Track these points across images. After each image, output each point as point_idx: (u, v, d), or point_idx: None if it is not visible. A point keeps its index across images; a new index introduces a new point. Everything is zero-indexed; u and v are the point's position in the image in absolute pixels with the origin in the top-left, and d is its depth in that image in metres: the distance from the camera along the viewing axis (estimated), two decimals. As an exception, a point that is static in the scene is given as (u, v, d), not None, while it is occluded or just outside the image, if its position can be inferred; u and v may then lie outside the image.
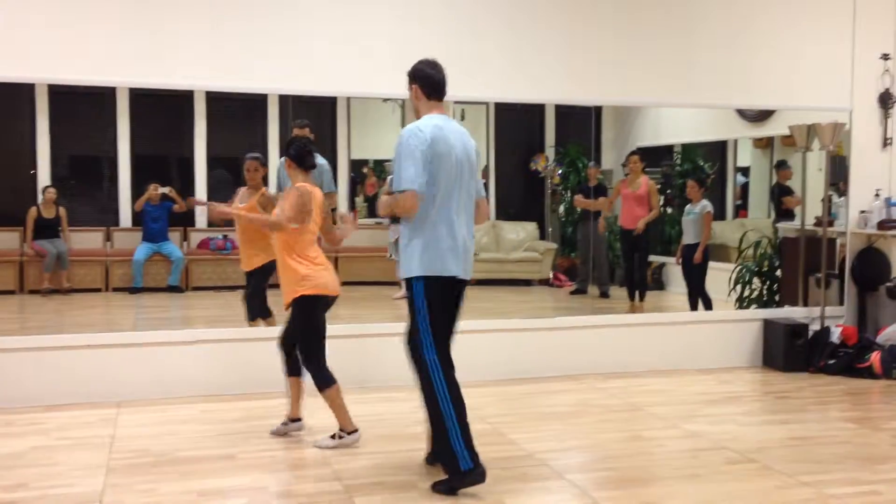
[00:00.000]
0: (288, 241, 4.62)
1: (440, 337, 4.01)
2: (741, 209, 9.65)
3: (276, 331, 6.07)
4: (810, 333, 6.80)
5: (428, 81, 4.10)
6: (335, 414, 4.62)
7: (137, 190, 9.47)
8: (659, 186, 8.72)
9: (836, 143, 6.86)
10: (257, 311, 6.26)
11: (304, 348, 4.67)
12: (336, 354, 5.92)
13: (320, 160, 6.23)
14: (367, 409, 5.40)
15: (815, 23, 6.93)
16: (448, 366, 4.01)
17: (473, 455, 3.91)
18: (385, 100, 8.04)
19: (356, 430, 4.64)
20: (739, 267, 7.95)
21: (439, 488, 3.94)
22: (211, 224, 8.59)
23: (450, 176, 3.96)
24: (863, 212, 7.09)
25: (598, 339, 6.60)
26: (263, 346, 5.88)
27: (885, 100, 7.07)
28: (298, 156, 4.67)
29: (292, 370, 4.82)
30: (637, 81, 6.55)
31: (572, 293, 9.25)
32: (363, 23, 5.95)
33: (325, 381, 4.59)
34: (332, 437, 4.62)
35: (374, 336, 6.08)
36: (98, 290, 8.95)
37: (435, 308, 4.00)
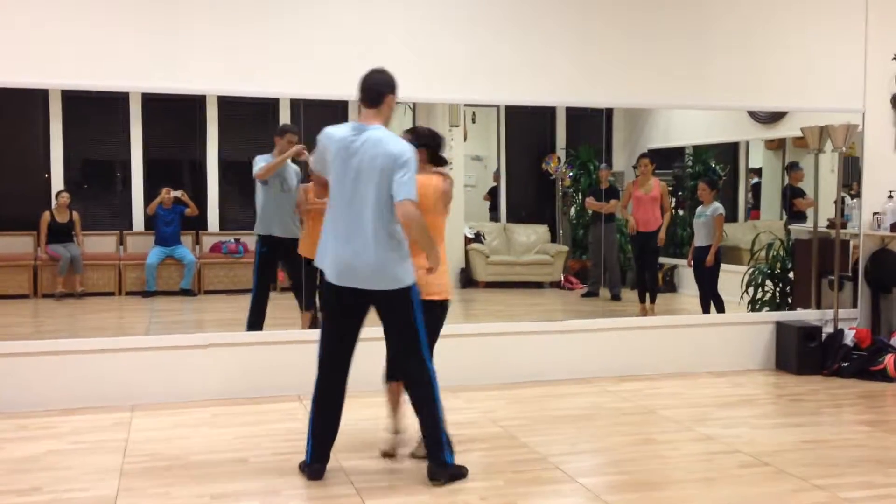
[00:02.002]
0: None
1: (324, 335, 4.19)
2: (753, 210, 9.63)
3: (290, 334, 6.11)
4: (823, 336, 6.77)
5: (359, 87, 4.19)
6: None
7: (150, 194, 9.51)
8: (670, 188, 8.71)
9: (848, 144, 6.84)
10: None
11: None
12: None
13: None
14: (380, 412, 5.39)
15: (828, 24, 6.91)
16: (323, 368, 4.20)
17: (313, 454, 4.21)
18: (396, 103, 8.06)
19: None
20: (752, 269, 7.93)
21: None
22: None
23: (341, 181, 4.03)
24: (876, 213, 7.06)
25: (609, 341, 6.59)
26: (276, 349, 5.91)
27: (898, 101, 7.05)
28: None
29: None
30: (648, 83, 6.55)
31: (584, 296, 9.23)
32: (374, 27, 5.97)
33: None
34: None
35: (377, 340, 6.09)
36: (111, 293, 8.99)
37: (325, 304, 4.20)
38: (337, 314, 4.18)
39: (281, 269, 9.11)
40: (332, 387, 4.22)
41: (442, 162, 4.55)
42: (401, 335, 4.18)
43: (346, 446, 4.69)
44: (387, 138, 4.06)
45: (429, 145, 4.44)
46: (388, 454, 4.54)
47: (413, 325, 4.13)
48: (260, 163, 6.66)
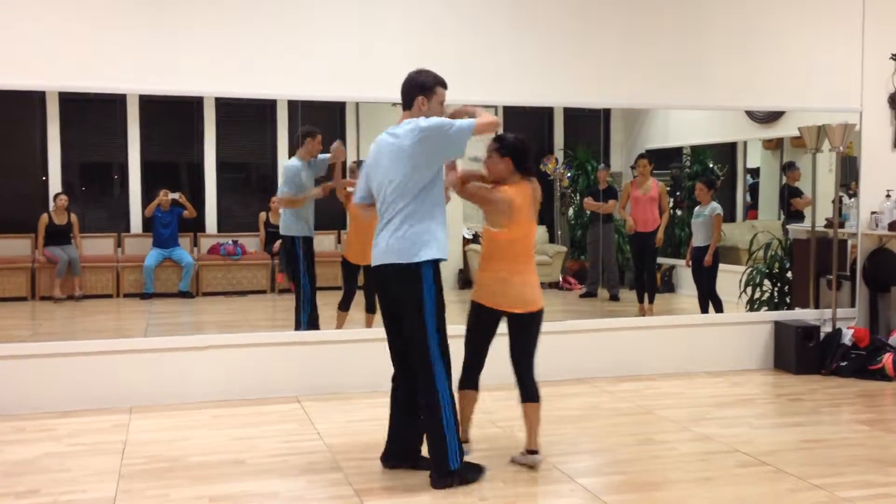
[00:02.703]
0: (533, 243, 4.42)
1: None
2: (751, 209, 9.63)
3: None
4: (822, 335, 6.77)
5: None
6: (532, 430, 4.39)
7: (148, 196, 9.50)
8: (668, 189, 8.71)
9: (846, 144, 6.84)
10: (373, 304, 6.68)
11: (532, 361, 4.41)
12: (348, 357, 5.98)
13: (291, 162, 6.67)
14: (379, 413, 5.39)
15: (825, 24, 6.92)
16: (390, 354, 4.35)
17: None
18: (394, 104, 8.07)
19: (538, 452, 4.40)
20: (750, 269, 7.93)
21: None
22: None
23: (374, 177, 4.17)
24: (874, 213, 7.07)
25: (608, 342, 6.60)
26: (274, 351, 5.91)
27: (894, 100, 7.05)
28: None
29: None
30: (647, 84, 6.55)
31: (582, 296, 9.23)
32: (372, 28, 5.97)
33: (538, 392, 4.39)
34: (528, 453, 4.38)
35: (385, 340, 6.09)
36: (109, 296, 8.98)
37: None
38: (381, 303, 4.28)
39: (282, 271, 9.13)
40: (398, 372, 4.30)
41: (530, 172, 4.40)
42: (408, 318, 4.08)
43: (344, 447, 4.70)
44: (414, 121, 4.09)
45: (512, 154, 4.32)
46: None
47: (419, 307, 4.02)
48: (289, 176, 6.59)
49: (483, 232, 4.41)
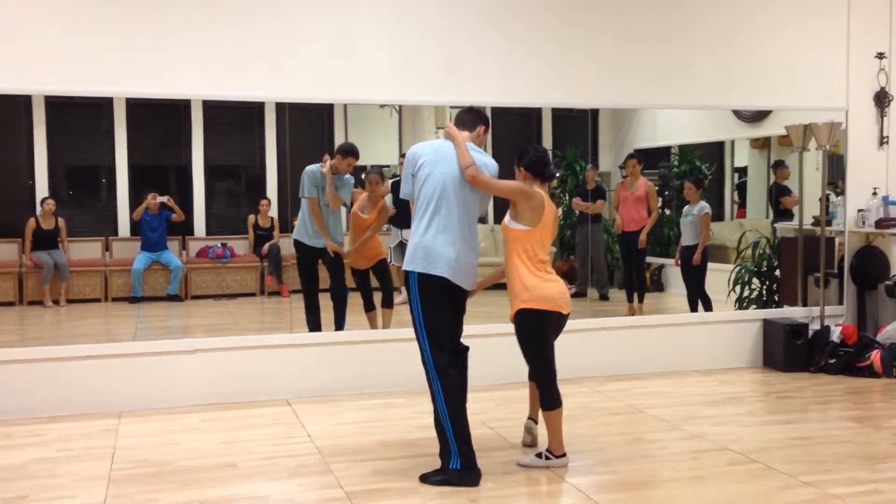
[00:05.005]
0: (520, 243, 4.49)
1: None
2: (739, 209, 9.67)
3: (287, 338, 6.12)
4: (810, 333, 6.80)
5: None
6: (550, 435, 4.38)
7: (136, 199, 9.47)
8: (657, 188, 8.73)
9: (832, 142, 6.87)
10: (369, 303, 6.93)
11: (531, 366, 4.59)
12: (337, 360, 5.96)
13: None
14: (368, 415, 5.40)
15: (811, 23, 6.95)
16: None
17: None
18: (382, 105, 8.06)
19: (565, 455, 4.39)
20: (738, 267, 7.96)
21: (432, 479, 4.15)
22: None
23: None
24: (860, 210, 7.10)
25: (597, 341, 6.60)
26: (263, 353, 5.90)
27: (880, 99, 7.09)
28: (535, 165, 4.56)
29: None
30: (634, 84, 6.56)
31: (571, 296, 9.23)
32: (359, 29, 5.96)
33: (552, 401, 4.39)
34: (539, 455, 4.40)
35: (374, 342, 6.09)
36: (97, 300, 8.95)
37: None
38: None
39: (271, 274, 9.11)
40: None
41: (549, 178, 4.67)
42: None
43: (334, 450, 4.69)
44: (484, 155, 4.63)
45: (528, 167, 4.59)
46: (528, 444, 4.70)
47: (411, 312, 4.24)
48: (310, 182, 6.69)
49: (512, 234, 4.55)
